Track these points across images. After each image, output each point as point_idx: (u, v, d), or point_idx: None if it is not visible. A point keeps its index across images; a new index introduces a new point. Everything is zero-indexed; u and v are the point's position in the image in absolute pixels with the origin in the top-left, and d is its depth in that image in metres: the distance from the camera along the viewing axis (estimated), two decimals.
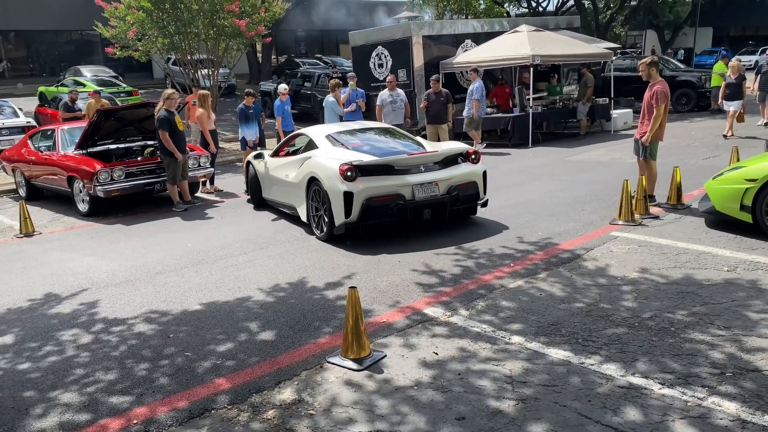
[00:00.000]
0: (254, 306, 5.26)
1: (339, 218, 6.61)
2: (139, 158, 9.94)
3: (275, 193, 8.39)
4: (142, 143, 10.50)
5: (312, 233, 7.33)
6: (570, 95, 16.23)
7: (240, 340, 4.58)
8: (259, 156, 9.02)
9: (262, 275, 6.05)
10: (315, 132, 8.02)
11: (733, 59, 11.50)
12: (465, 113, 13.30)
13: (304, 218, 7.43)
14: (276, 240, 7.31)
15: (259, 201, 9.03)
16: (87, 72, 24.53)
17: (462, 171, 7.05)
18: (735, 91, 13.27)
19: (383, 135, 8.03)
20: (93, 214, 9.34)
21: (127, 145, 10.44)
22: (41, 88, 22.74)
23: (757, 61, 15.04)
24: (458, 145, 7.56)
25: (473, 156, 7.23)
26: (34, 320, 5.28)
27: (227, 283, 5.89)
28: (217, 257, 6.76)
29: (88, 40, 32.66)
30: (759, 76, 14.63)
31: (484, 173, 7.24)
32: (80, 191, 9.43)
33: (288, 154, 8.38)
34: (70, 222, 9.26)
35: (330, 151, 7.27)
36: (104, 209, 9.44)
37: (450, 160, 7.09)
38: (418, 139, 8.08)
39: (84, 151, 9.81)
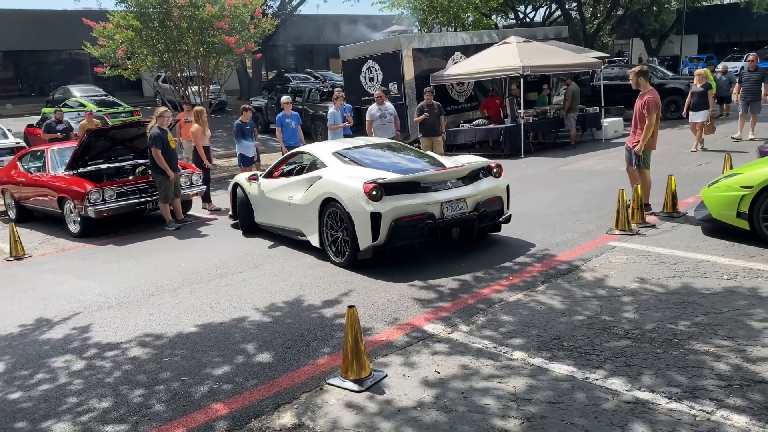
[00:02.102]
0: (251, 327, 5.17)
1: (365, 241, 6.13)
2: (130, 177, 9.85)
3: (274, 217, 7.79)
4: (133, 162, 10.41)
5: (324, 257, 6.81)
6: (559, 105, 16.30)
7: (237, 362, 4.49)
8: (252, 177, 8.28)
9: (258, 294, 5.96)
10: (319, 149, 7.54)
11: (699, 69, 10.07)
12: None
13: (315, 243, 6.86)
14: (271, 257, 7.23)
15: (250, 226, 8.39)
16: (77, 92, 24.43)
17: (488, 186, 6.72)
18: (700, 100, 12.55)
19: (390, 150, 7.68)
20: (84, 235, 9.22)
21: (118, 164, 10.35)
22: (45, 109, 22.55)
23: (742, 67, 14.42)
24: (478, 159, 7.23)
25: (495, 170, 6.92)
26: (25, 347, 5.16)
27: (222, 303, 5.80)
28: (212, 276, 6.67)
29: (77, 59, 32.60)
30: (741, 84, 13.76)
31: (507, 187, 6.99)
32: (71, 212, 9.32)
33: (284, 174, 7.94)
34: (61, 244, 9.14)
35: (343, 169, 6.81)
36: (96, 230, 9.33)
37: (473, 175, 6.75)
38: (431, 154, 7.85)
39: (74, 172, 9.71)
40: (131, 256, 7.94)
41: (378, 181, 6.15)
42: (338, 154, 7.19)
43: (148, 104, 26.12)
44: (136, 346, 4.95)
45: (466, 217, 6.42)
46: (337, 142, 8.28)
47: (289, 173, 7.88)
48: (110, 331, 5.31)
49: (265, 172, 8.21)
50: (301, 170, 7.66)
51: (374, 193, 6.06)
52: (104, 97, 22.89)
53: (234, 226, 8.91)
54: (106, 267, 7.54)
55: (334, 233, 6.59)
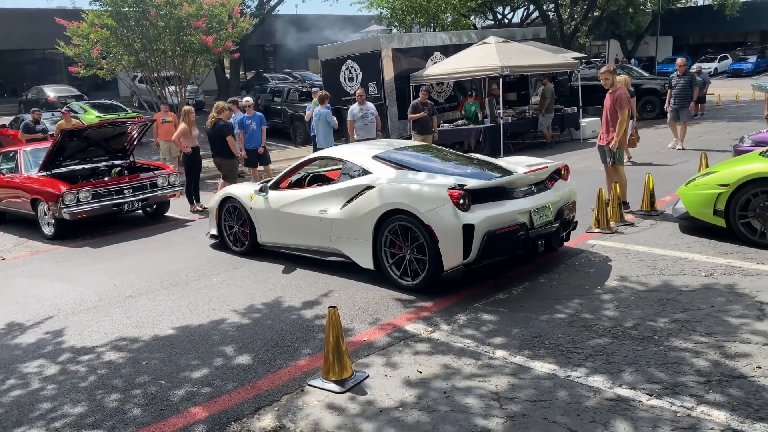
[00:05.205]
0: (230, 329, 5.09)
1: (453, 259, 5.26)
2: (106, 178, 9.68)
3: (293, 235, 6.62)
4: (109, 163, 10.24)
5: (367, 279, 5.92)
6: (537, 106, 16.43)
7: (216, 365, 4.41)
8: (260, 190, 6.91)
9: (237, 296, 5.88)
10: (352, 153, 6.50)
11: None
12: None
13: (366, 265, 5.86)
14: (251, 259, 7.13)
15: (251, 248, 7.13)
16: (50, 92, 24.03)
17: (565, 190, 6.05)
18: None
19: (430, 152, 6.76)
20: (59, 238, 9.03)
21: (93, 165, 10.17)
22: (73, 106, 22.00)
23: (671, 77, 13.39)
24: (542, 160, 6.58)
25: (563, 172, 6.23)
26: None
27: (201, 305, 5.71)
28: (190, 278, 6.57)
29: (51, 59, 32.03)
30: (671, 89, 12.83)
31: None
32: (45, 214, 9.13)
33: (300, 185, 7.00)
34: (34, 246, 8.94)
35: (400, 175, 5.81)
36: (71, 232, 9.15)
37: (551, 179, 6.06)
38: (475, 155, 7.07)
39: (48, 173, 9.51)
40: (107, 259, 7.79)
41: (466, 188, 5.35)
42: (380, 158, 6.19)
43: (124, 105, 25.73)
44: (111, 349, 4.84)
45: (552, 225, 5.71)
46: (367, 145, 7.08)
47: (308, 183, 7.03)
48: (85, 335, 5.20)
49: (271, 183, 7.04)
50: (323, 180, 6.97)
51: (462, 201, 5.24)
52: (107, 101, 22.23)
53: (215, 246, 7.74)
54: (81, 270, 7.39)
55: (396, 251, 5.65)
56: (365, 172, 6.08)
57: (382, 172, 5.94)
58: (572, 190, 6.20)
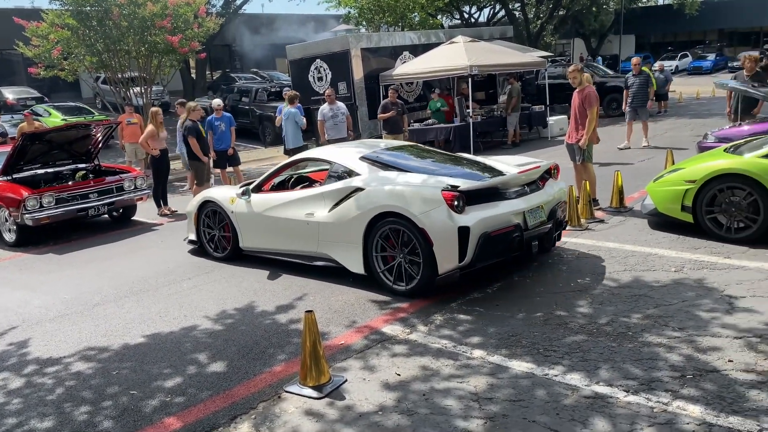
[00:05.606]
0: (202, 335, 4.98)
1: (448, 262, 5.15)
2: (70, 183, 9.42)
3: (277, 239, 6.43)
4: (72, 167, 9.97)
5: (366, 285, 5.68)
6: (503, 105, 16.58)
7: (189, 373, 4.31)
8: (243, 193, 6.73)
9: (209, 301, 5.77)
10: (338, 155, 6.32)
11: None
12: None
13: (357, 269, 5.68)
14: (222, 262, 7.00)
15: (233, 253, 6.93)
16: (9, 94, 23.34)
17: (556, 190, 6.01)
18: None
19: (417, 152, 6.62)
20: (21, 245, 8.75)
21: (56, 169, 9.88)
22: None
23: (627, 77, 13.48)
24: (531, 159, 6.48)
25: (553, 171, 6.18)
26: None
27: (172, 311, 5.58)
28: (160, 284, 6.42)
29: (9, 60, 31.01)
30: (627, 89, 12.87)
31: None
32: (6, 220, 8.84)
33: (283, 187, 6.85)
34: None
35: (390, 177, 5.65)
36: (33, 238, 8.87)
37: (542, 178, 6.00)
38: (463, 155, 6.96)
39: (9, 177, 9.21)
40: (73, 265, 7.58)
41: (460, 188, 5.24)
42: (367, 159, 6.04)
43: (88, 106, 25.13)
44: (79, 360, 4.70)
45: (545, 226, 5.66)
46: (353, 146, 6.90)
47: (292, 186, 6.89)
48: (51, 346, 5.03)
49: (253, 186, 6.81)
50: (308, 182, 6.83)
51: (457, 203, 5.12)
52: (72, 104, 21.62)
53: (195, 252, 7.48)
54: (45, 277, 7.17)
55: (388, 255, 5.51)
56: (353, 174, 5.91)
57: (371, 174, 5.80)
58: (563, 190, 6.16)
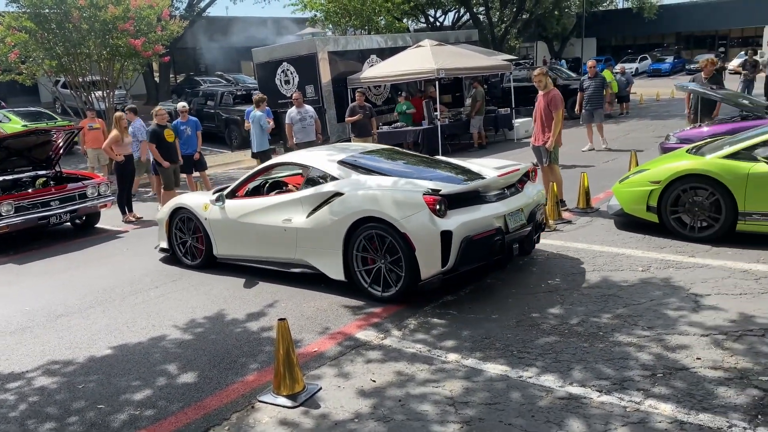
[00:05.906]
0: (171, 345, 4.87)
1: (431, 267, 5.08)
2: (30, 190, 9.14)
3: (253, 246, 6.29)
4: (33, 174, 9.68)
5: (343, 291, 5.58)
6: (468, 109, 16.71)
7: (159, 385, 4.21)
8: (197, 199, 6.70)
9: (178, 310, 5.65)
10: (316, 158, 6.21)
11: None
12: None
13: (336, 276, 5.59)
14: (190, 270, 6.87)
15: (207, 261, 6.75)
16: None
17: (535, 192, 6.01)
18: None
19: (399, 156, 6.57)
20: None
21: (15, 176, 9.58)
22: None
23: (582, 79, 13.78)
24: (509, 162, 6.43)
25: (531, 174, 6.20)
26: None
27: (139, 321, 5.45)
28: (126, 293, 6.27)
29: None
30: (583, 92, 13.00)
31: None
32: None
33: (258, 193, 6.71)
34: None
35: (369, 181, 5.60)
36: None
37: (520, 181, 6.00)
38: (441, 158, 6.94)
39: None
40: (34, 275, 7.34)
41: (442, 192, 5.18)
42: (345, 163, 5.95)
43: (47, 111, 24.47)
44: (43, 374, 4.54)
45: (525, 229, 5.61)
46: (331, 150, 6.77)
47: (267, 191, 6.73)
48: (13, 360, 4.85)
49: (227, 191, 6.66)
50: (283, 187, 6.71)
51: (439, 207, 5.05)
52: (33, 108, 20.86)
53: (163, 260, 7.30)
54: (5, 289, 6.93)
55: (369, 261, 5.42)
56: (332, 178, 5.82)
57: (350, 178, 5.71)
58: (541, 192, 6.17)
